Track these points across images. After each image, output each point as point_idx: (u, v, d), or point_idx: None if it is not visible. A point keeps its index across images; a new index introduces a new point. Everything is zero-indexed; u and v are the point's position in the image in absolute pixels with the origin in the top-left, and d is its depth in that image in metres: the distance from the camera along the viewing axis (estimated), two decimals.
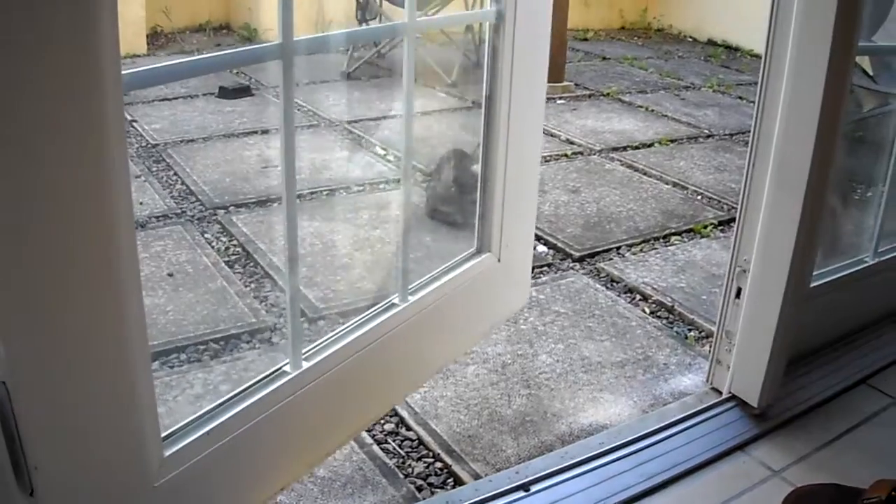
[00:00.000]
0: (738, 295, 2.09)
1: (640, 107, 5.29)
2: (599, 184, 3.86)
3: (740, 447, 1.99)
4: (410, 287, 1.84)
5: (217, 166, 3.83)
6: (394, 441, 2.04)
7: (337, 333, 1.68)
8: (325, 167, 3.84)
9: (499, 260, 2.07)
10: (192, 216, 3.27)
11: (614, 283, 2.91)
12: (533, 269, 2.52)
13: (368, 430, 2.05)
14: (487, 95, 1.96)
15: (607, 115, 5.06)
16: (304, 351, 1.59)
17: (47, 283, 1.04)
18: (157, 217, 3.24)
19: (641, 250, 3.18)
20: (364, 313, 1.77)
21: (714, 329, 2.22)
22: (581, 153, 4.30)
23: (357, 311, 2.57)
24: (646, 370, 2.36)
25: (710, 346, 2.26)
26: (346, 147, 4.21)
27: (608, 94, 5.54)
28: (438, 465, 1.97)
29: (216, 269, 2.83)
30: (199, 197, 3.46)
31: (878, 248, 2.46)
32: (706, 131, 4.82)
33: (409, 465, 1.96)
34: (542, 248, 3.13)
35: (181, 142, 4.17)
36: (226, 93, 4.94)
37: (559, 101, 5.25)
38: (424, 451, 2.01)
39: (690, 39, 7.80)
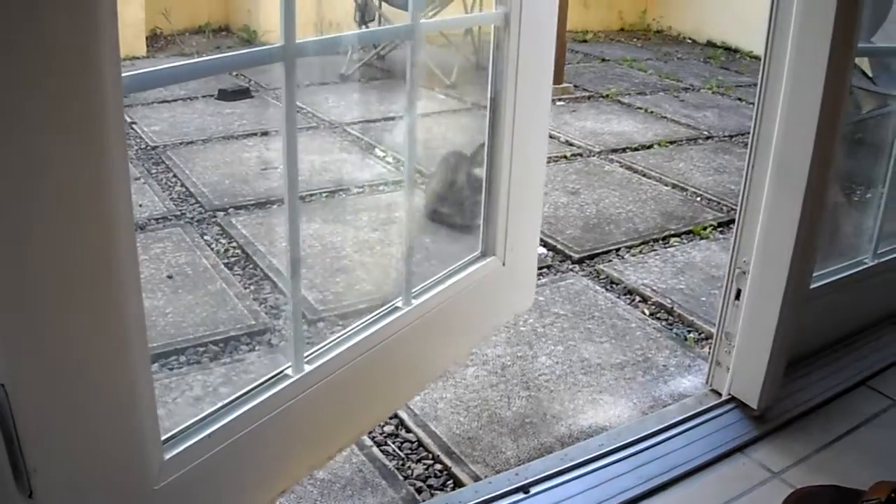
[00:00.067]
0: (737, 296, 2.10)
1: (640, 108, 5.29)
2: (599, 185, 3.86)
3: (740, 449, 1.99)
4: (414, 290, 1.84)
5: (216, 168, 3.83)
6: (393, 443, 2.04)
7: (339, 336, 1.68)
8: (324, 169, 3.84)
9: (503, 263, 2.07)
10: (192, 218, 3.27)
11: (614, 285, 2.91)
12: None
13: (368, 432, 2.05)
14: (492, 98, 1.96)
15: (606, 116, 5.06)
16: (306, 354, 1.59)
17: (47, 285, 1.04)
18: (157, 219, 3.24)
19: (641, 252, 3.18)
20: (365, 316, 1.77)
21: (713, 331, 2.22)
22: (580, 155, 4.30)
23: (356, 314, 2.59)
24: (645, 372, 2.36)
25: (710, 348, 2.26)
26: (346, 149, 4.21)
27: (607, 95, 5.55)
28: (438, 466, 1.97)
29: (215, 270, 2.83)
30: (199, 199, 3.46)
31: (877, 249, 2.46)
32: (705, 133, 4.83)
33: (409, 467, 1.96)
34: (541, 250, 3.13)
35: (180, 144, 4.17)
36: (225, 95, 4.94)
37: (558, 103, 5.25)
38: (424, 453, 2.01)
39: (690, 41, 7.80)
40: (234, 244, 3.06)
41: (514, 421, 2.12)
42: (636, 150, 4.46)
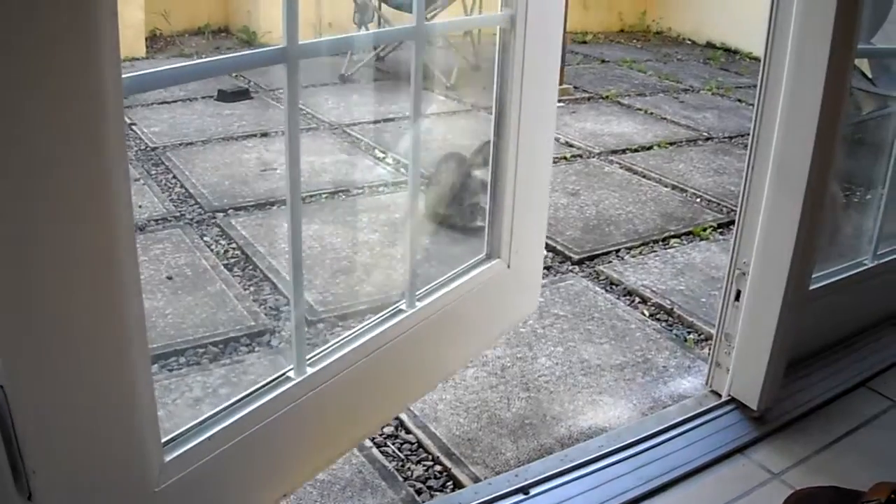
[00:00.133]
0: (737, 297, 2.09)
1: (639, 109, 5.29)
2: (598, 186, 3.86)
3: (740, 450, 1.99)
4: (418, 293, 1.83)
5: (216, 169, 3.83)
6: (393, 444, 2.04)
7: (342, 339, 1.68)
8: (323, 170, 3.84)
9: (508, 266, 2.07)
10: (191, 219, 3.27)
11: (613, 286, 2.91)
12: None
13: (371, 436, 2.05)
14: (498, 100, 1.96)
15: (606, 117, 5.06)
16: (308, 356, 1.59)
17: (46, 286, 1.04)
18: (156, 220, 3.24)
19: (641, 253, 3.18)
20: (365, 317, 1.77)
21: (713, 332, 2.22)
22: (580, 156, 4.30)
23: (355, 315, 2.59)
24: (645, 373, 2.36)
25: (710, 349, 2.26)
26: (345, 150, 4.21)
27: (607, 96, 5.55)
28: (438, 468, 1.97)
29: (215, 272, 2.83)
30: (198, 200, 3.46)
31: (877, 250, 2.46)
32: (705, 134, 4.83)
33: (409, 469, 1.96)
34: None
35: (180, 145, 4.17)
36: (225, 96, 4.93)
37: (558, 104, 5.24)
38: (424, 455, 2.01)
39: (689, 42, 7.80)
40: (234, 245, 3.05)
41: (514, 422, 2.12)
42: (636, 151, 4.46)
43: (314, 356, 1.61)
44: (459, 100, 5.17)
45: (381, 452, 2.00)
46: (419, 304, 1.82)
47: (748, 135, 2.03)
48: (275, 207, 3.41)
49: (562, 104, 5.27)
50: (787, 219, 1.92)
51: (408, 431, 2.08)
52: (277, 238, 3.12)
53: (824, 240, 2.20)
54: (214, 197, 3.49)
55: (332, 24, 6.19)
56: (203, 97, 4.98)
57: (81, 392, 1.13)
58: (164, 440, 1.30)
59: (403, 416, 2.11)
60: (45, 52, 0.95)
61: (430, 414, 2.13)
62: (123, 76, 1.07)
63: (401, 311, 1.80)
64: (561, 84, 5.45)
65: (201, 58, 5.98)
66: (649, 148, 4.52)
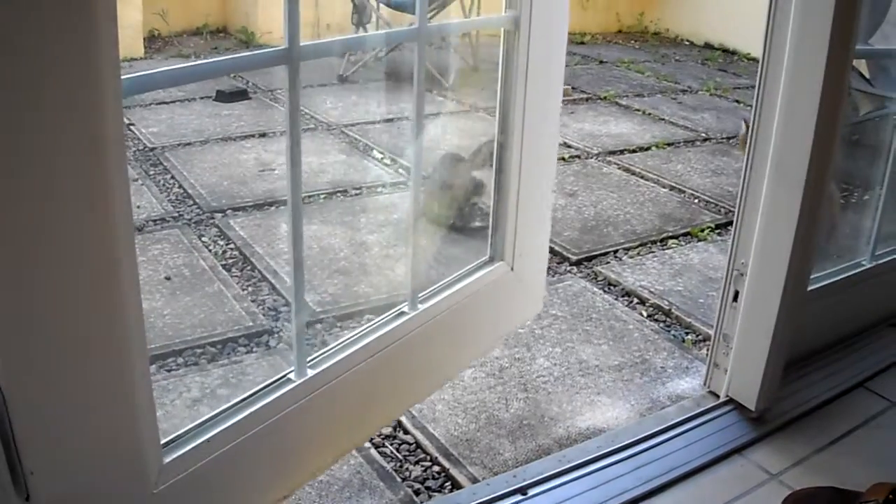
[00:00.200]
0: (735, 298, 2.09)
1: (637, 110, 5.29)
2: (596, 187, 3.86)
3: (738, 450, 1.99)
4: (420, 295, 1.83)
5: (214, 170, 3.83)
6: (391, 445, 2.03)
7: (343, 341, 1.67)
8: (321, 171, 3.84)
9: (512, 269, 2.06)
10: (190, 220, 3.27)
11: (612, 287, 2.91)
12: None
13: (371, 438, 2.04)
14: (501, 102, 1.96)
15: (604, 118, 5.06)
16: (309, 358, 1.58)
17: (44, 288, 1.04)
18: (155, 221, 3.24)
19: (639, 254, 3.18)
20: (363, 317, 1.77)
21: (711, 332, 2.22)
22: (578, 157, 4.31)
23: (353, 315, 2.59)
24: (643, 373, 2.36)
25: (708, 350, 2.26)
26: (344, 151, 4.21)
27: (605, 97, 5.55)
28: (436, 468, 1.97)
29: (213, 272, 2.83)
30: (197, 200, 3.46)
31: (875, 251, 2.46)
32: (703, 135, 4.83)
33: (407, 469, 1.96)
34: None
35: (178, 145, 4.17)
36: (223, 96, 4.93)
37: None
38: (422, 455, 2.01)
39: (687, 43, 7.81)
40: (232, 246, 3.05)
41: (512, 423, 2.12)
42: (634, 151, 4.46)
43: (315, 358, 1.60)
44: (458, 100, 5.17)
45: (380, 453, 2.00)
46: (421, 307, 1.82)
47: None
48: (273, 208, 3.41)
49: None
50: (786, 219, 1.92)
51: (406, 432, 2.08)
52: (276, 238, 3.12)
53: (822, 239, 2.20)
54: (213, 197, 3.49)
55: (329, 24, 6.20)
56: (201, 97, 4.98)
57: (80, 393, 1.12)
58: (163, 442, 1.30)
59: (402, 417, 2.11)
60: (45, 53, 0.95)
61: (428, 414, 2.13)
62: (123, 77, 1.07)
63: (403, 313, 1.80)
64: None
65: (199, 58, 5.99)
66: (647, 149, 4.53)
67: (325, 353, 1.63)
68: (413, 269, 1.80)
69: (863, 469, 1.91)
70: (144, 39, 6.15)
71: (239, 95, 4.99)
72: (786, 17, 1.84)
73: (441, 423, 2.10)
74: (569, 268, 3.03)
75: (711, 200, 3.77)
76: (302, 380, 1.55)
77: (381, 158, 4.09)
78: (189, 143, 4.20)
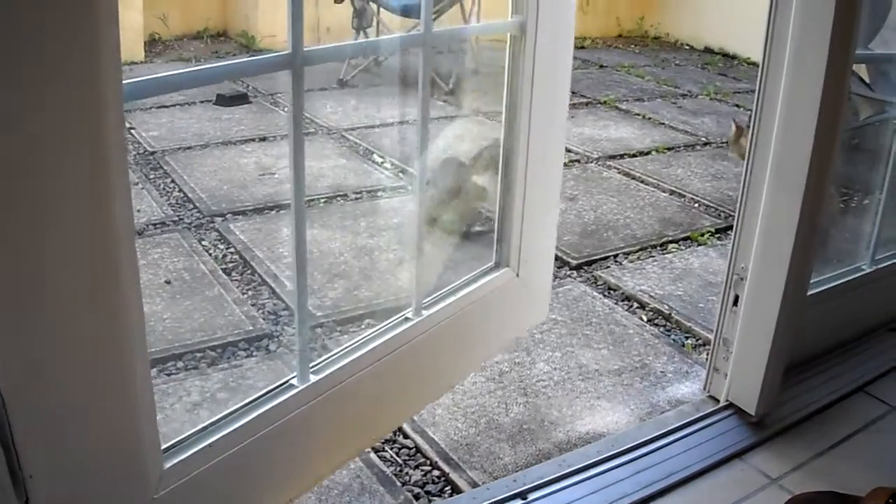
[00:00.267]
0: (735, 303, 2.09)
1: (637, 115, 5.29)
2: (597, 192, 3.86)
3: (738, 455, 1.99)
4: (425, 301, 1.83)
5: (214, 174, 3.83)
6: (391, 449, 2.03)
7: (347, 347, 1.67)
8: (321, 175, 3.84)
9: (517, 275, 2.06)
10: (190, 224, 3.27)
11: (612, 291, 2.91)
12: None
13: (375, 444, 2.04)
14: (507, 107, 1.95)
15: (604, 122, 5.07)
16: (312, 364, 1.58)
17: (46, 291, 1.04)
18: (155, 224, 3.24)
19: (639, 258, 3.18)
20: (366, 322, 1.76)
21: (711, 337, 2.22)
22: (578, 161, 4.31)
23: (353, 320, 2.59)
24: (643, 378, 2.36)
25: (708, 354, 2.26)
26: (344, 155, 4.21)
27: (605, 102, 5.55)
28: (436, 473, 1.96)
29: (213, 276, 2.83)
30: (197, 204, 3.46)
31: (875, 255, 2.46)
32: (703, 139, 4.83)
33: (407, 473, 1.96)
34: None
35: (178, 149, 4.17)
36: (223, 100, 4.94)
37: None
38: (422, 459, 2.01)
39: (687, 47, 7.81)
40: (232, 250, 3.05)
41: (512, 427, 2.12)
42: (634, 156, 4.47)
43: (318, 364, 1.60)
44: (458, 104, 5.17)
45: (379, 457, 2.00)
46: (426, 313, 1.81)
47: None
48: (273, 212, 3.41)
49: None
50: (786, 224, 1.93)
51: (406, 436, 2.07)
52: (276, 242, 3.12)
53: (822, 245, 2.20)
54: (213, 201, 3.49)
55: (329, 28, 6.20)
56: (202, 101, 4.98)
57: (80, 397, 1.12)
58: (164, 447, 1.30)
59: None
60: (46, 56, 0.95)
61: (427, 419, 2.13)
62: (126, 82, 1.07)
63: (407, 319, 1.79)
64: None
65: (200, 62, 5.98)
66: (647, 153, 4.53)
67: (328, 358, 1.63)
68: (417, 276, 1.80)
69: (863, 473, 1.91)
70: (145, 43, 6.16)
71: (239, 99, 5.00)
72: (786, 22, 1.84)
73: (441, 427, 2.10)
74: (569, 272, 3.03)
75: (711, 205, 3.77)
76: (305, 385, 1.55)
77: (382, 163, 4.09)
78: (189, 147, 4.20)
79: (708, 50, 7.61)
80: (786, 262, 1.95)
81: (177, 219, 3.31)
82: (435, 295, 1.88)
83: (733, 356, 2.11)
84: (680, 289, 2.93)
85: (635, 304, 2.82)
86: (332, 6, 5.61)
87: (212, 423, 1.41)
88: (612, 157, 4.40)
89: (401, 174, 3.96)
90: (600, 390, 2.29)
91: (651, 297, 2.85)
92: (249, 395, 1.50)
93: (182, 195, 3.56)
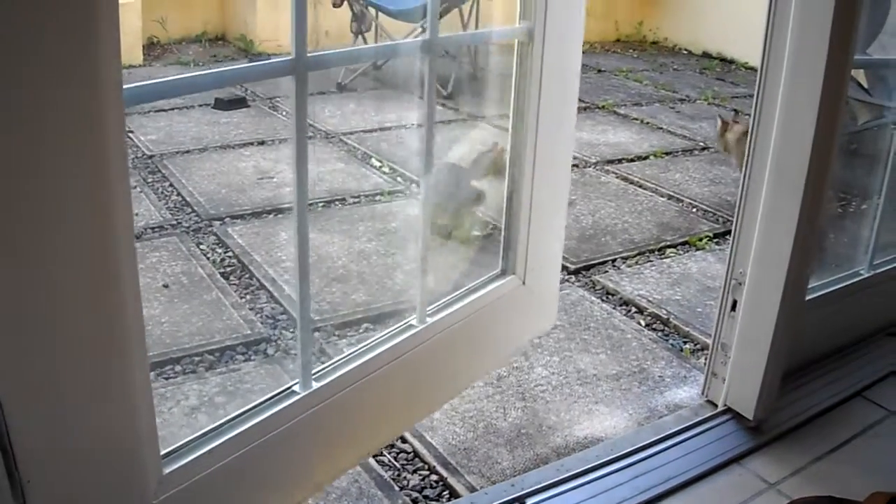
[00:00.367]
0: (733, 307, 2.09)
1: (636, 119, 5.30)
2: (595, 196, 3.87)
3: (736, 460, 1.99)
4: (429, 309, 1.82)
5: (213, 177, 3.83)
6: (389, 453, 2.03)
7: (350, 354, 1.66)
8: (320, 179, 3.84)
9: (524, 283, 2.06)
10: (188, 227, 3.27)
11: (610, 296, 2.91)
12: None
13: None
14: (515, 114, 1.95)
15: (602, 127, 5.07)
16: (314, 371, 1.58)
17: (45, 296, 1.04)
18: (153, 228, 3.24)
19: (637, 263, 3.18)
20: (364, 327, 1.76)
21: (709, 341, 2.22)
22: (576, 166, 4.30)
23: (351, 324, 2.59)
24: (641, 383, 2.36)
25: (706, 359, 2.26)
26: (342, 159, 4.21)
27: (603, 106, 5.55)
28: (434, 477, 1.96)
29: (211, 280, 2.83)
30: (195, 208, 3.45)
31: (873, 260, 2.47)
32: (701, 144, 4.83)
33: (405, 478, 1.96)
34: None
35: (177, 153, 4.17)
36: (221, 104, 4.93)
37: None
38: (420, 464, 2.00)
39: (686, 52, 7.82)
40: (230, 254, 3.05)
41: (510, 432, 2.11)
42: (632, 161, 4.47)
43: (320, 371, 1.59)
44: (457, 109, 5.17)
45: (377, 462, 1.99)
46: (430, 320, 1.81)
47: None
48: (271, 216, 3.41)
49: None
50: (784, 228, 1.93)
51: (404, 441, 2.07)
52: (274, 246, 3.12)
53: (821, 250, 2.20)
54: (211, 205, 3.49)
55: (328, 32, 6.20)
56: (200, 105, 4.98)
57: (79, 401, 1.12)
58: (163, 452, 1.30)
59: None
60: (47, 60, 0.95)
61: (425, 423, 2.12)
62: (128, 86, 1.07)
63: (411, 326, 1.79)
64: None
65: (199, 66, 5.98)
66: (645, 158, 4.53)
67: (330, 365, 1.62)
68: (421, 282, 1.79)
69: (861, 478, 1.91)
70: (143, 46, 6.16)
71: (237, 103, 4.99)
72: (784, 27, 1.84)
73: (439, 431, 2.10)
74: (567, 277, 3.03)
75: (709, 209, 3.77)
76: (307, 392, 1.54)
77: (380, 167, 4.09)
78: (187, 151, 4.20)
79: (706, 55, 7.62)
80: (784, 267, 1.95)
81: (175, 222, 3.31)
82: (440, 302, 1.87)
83: (731, 361, 2.11)
84: (678, 293, 2.93)
85: (633, 309, 2.82)
86: (330, 10, 5.61)
87: (212, 429, 1.40)
88: (611, 162, 4.41)
89: (399, 178, 3.96)
90: (598, 395, 2.29)
91: (649, 301, 2.85)
92: (247, 399, 1.50)
93: (180, 199, 3.56)
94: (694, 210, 3.77)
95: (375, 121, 4.91)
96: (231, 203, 3.53)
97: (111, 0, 1.01)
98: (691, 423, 2.10)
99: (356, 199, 3.66)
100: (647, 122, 5.22)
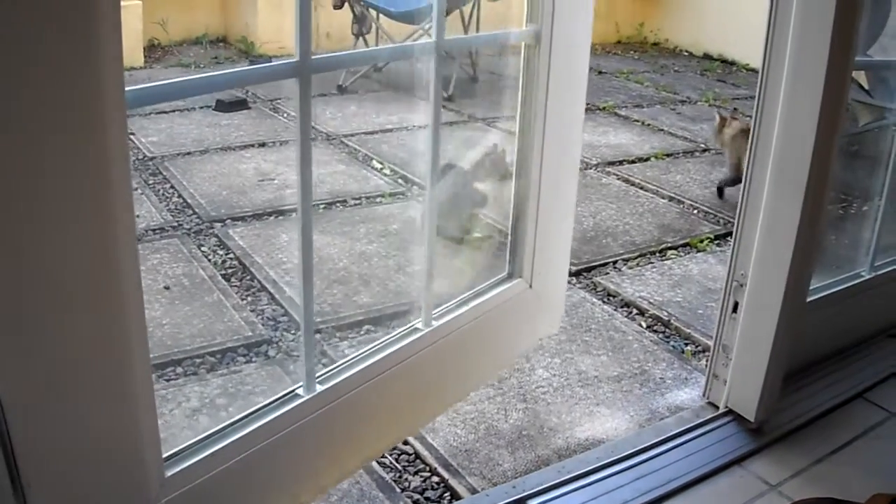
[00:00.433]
0: (734, 309, 2.09)
1: (637, 121, 5.30)
2: (596, 198, 3.87)
3: (737, 462, 1.99)
4: (435, 312, 1.82)
5: (214, 179, 3.83)
6: (390, 455, 2.03)
7: (355, 357, 1.66)
8: (321, 181, 3.84)
9: (530, 286, 2.05)
10: (189, 229, 3.27)
11: (611, 298, 2.91)
12: None
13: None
14: (521, 117, 1.94)
15: (603, 129, 5.07)
16: (318, 374, 1.57)
17: (46, 298, 1.04)
18: (154, 230, 3.24)
19: (638, 264, 3.18)
20: (365, 329, 1.75)
21: (710, 343, 2.22)
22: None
23: (352, 326, 2.58)
24: (642, 384, 2.36)
25: (707, 361, 2.26)
26: (343, 161, 4.21)
27: (604, 108, 5.55)
28: (435, 479, 1.96)
29: (213, 282, 2.83)
30: (196, 210, 3.46)
31: (874, 262, 2.46)
32: (702, 145, 4.83)
33: (406, 480, 1.95)
34: None
35: (178, 155, 4.17)
36: (222, 106, 4.94)
37: None
38: (421, 466, 2.00)
39: (686, 53, 7.82)
40: (232, 255, 3.05)
41: (512, 433, 2.11)
42: (633, 162, 4.47)
43: (324, 374, 1.59)
44: (457, 110, 5.18)
45: (378, 463, 1.99)
46: (436, 324, 1.81)
47: None
48: (272, 218, 3.41)
49: None
50: (786, 230, 1.93)
51: (405, 442, 2.07)
52: (275, 248, 3.12)
53: (822, 251, 2.20)
54: (212, 207, 3.49)
55: (329, 34, 6.21)
56: (201, 107, 4.98)
57: (80, 403, 1.12)
58: (165, 455, 1.29)
59: None
60: (49, 60, 0.95)
61: (427, 425, 2.12)
62: (131, 88, 1.07)
63: (417, 329, 1.78)
64: None
65: (200, 68, 5.98)
66: (646, 159, 4.53)
67: (335, 368, 1.62)
68: (427, 285, 1.79)
69: (862, 480, 1.91)
70: (144, 48, 6.16)
71: (238, 105, 5.00)
72: (786, 29, 1.84)
73: (440, 433, 2.10)
74: (568, 278, 3.02)
75: (710, 211, 3.77)
76: (311, 395, 1.54)
77: (381, 169, 4.09)
78: (188, 153, 4.21)
79: (707, 56, 7.62)
80: (785, 269, 1.95)
81: (176, 224, 3.31)
82: (445, 306, 1.87)
83: (733, 363, 2.11)
84: (679, 295, 2.93)
85: (634, 311, 2.82)
86: (331, 12, 5.61)
87: (215, 432, 1.40)
88: (611, 164, 4.41)
89: (400, 180, 3.96)
90: (599, 396, 2.29)
91: (650, 303, 2.85)
92: (248, 401, 1.50)
93: (181, 201, 3.56)
94: (695, 212, 3.77)
95: (376, 123, 4.92)
96: (232, 205, 3.53)
97: (113, 1, 1.01)
98: (692, 424, 2.10)
99: (357, 201, 3.66)
100: (648, 124, 5.23)
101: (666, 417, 2.19)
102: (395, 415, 1.81)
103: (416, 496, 1.90)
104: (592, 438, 2.11)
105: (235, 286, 2.83)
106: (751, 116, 2.00)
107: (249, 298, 2.75)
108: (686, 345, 2.62)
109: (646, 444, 2.02)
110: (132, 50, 5.80)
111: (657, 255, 3.28)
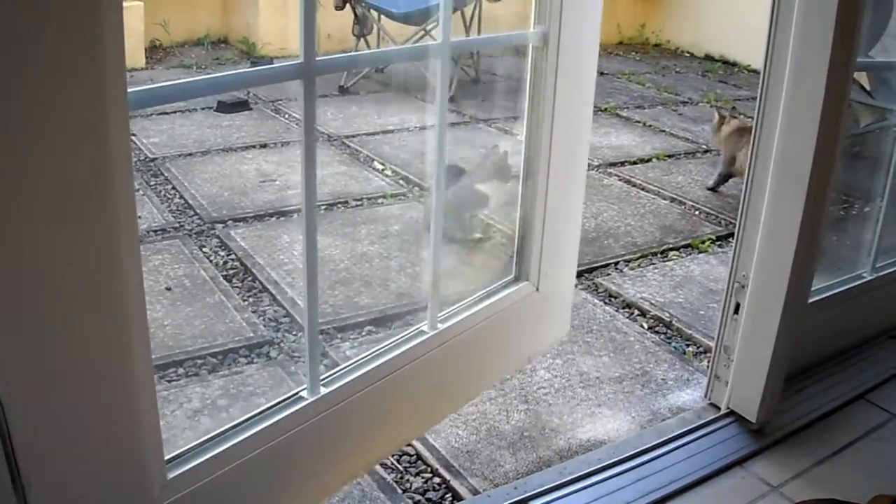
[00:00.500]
0: (736, 310, 2.09)
1: (638, 122, 5.30)
2: (597, 199, 3.86)
3: (739, 463, 1.99)
4: (440, 315, 1.82)
5: (215, 180, 3.83)
6: (392, 456, 2.03)
7: (359, 359, 1.66)
8: (322, 182, 3.84)
9: (537, 289, 2.05)
10: (191, 230, 3.27)
11: (612, 299, 2.91)
12: None
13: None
14: (528, 119, 1.93)
15: (605, 130, 5.07)
16: (322, 376, 1.57)
17: (47, 299, 1.04)
18: (156, 231, 3.24)
19: (639, 265, 3.18)
20: (366, 330, 1.75)
21: (712, 344, 2.22)
22: None
23: (353, 327, 2.58)
24: (644, 385, 2.36)
25: (709, 362, 2.26)
26: (344, 162, 4.21)
27: (606, 109, 5.55)
28: (437, 480, 1.96)
29: (214, 283, 2.83)
30: (198, 211, 3.46)
31: (875, 263, 2.46)
32: (704, 146, 4.83)
33: (408, 481, 1.95)
34: None
35: (179, 156, 4.17)
36: (224, 107, 4.94)
37: None
38: (423, 467, 2.00)
39: (688, 54, 7.82)
40: (233, 256, 3.05)
41: (513, 434, 2.11)
42: (634, 163, 4.47)
43: (329, 376, 1.59)
44: (459, 111, 5.18)
45: (380, 464, 1.99)
46: (441, 326, 1.80)
47: None
48: (274, 218, 3.41)
49: None
50: (787, 231, 1.93)
51: (407, 443, 2.07)
52: (276, 249, 3.12)
53: (823, 253, 2.20)
54: (213, 208, 3.49)
55: (330, 35, 6.21)
56: (202, 108, 4.98)
57: (81, 405, 1.12)
58: (167, 456, 1.29)
59: None
60: (51, 61, 0.95)
61: (432, 428, 2.12)
62: (134, 90, 1.07)
63: (422, 332, 1.78)
64: None
65: (201, 69, 5.98)
66: (648, 160, 4.53)
67: (339, 370, 1.61)
68: (433, 288, 1.79)
69: (863, 481, 1.91)
70: (146, 49, 6.17)
71: (240, 106, 5.00)
72: (787, 30, 1.84)
73: (442, 434, 2.10)
74: None
75: (712, 212, 3.77)
76: (315, 398, 1.54)
77: (382, 170, 4.09)
78: (190, 154, 4.21)
79: (708, 57, 7.62)
80: (787, 270, 1.95)
81: (177, 225, 3.31)
82: (451, 308, 1.87)
83: (734, 364, 2.11)
84: (681, 296, 2.93)
85: (636, 312, 2.82)
86: (332, 13, 5.61)
87: (218, 434, 1.40)
88: (613, 165, 4.41)
89: (401, 181, 3.96)
90: (601, 398, 2.29)
91: (652, 304, 2.85)
92: (250, 402, 1.50)
93: (183, 202, 3.57)
94: (696, 213, 3.77)
95: (378, 123, 4.92)
96: (233, 206, 3.53)
97: (115, 2, 1.01)
98: (694, 425, 2.10)
99: (358, 202, 3.66)
100: (650, 125, 5.23)
101: (667, 418, 2.19)
102: (400, 418, 1.81)
103: (418, 497, 1.90)
104: (594, 439, 2.10)
105: (237, 287, 2.83)
106: (751, 116, 2.00)
107: (251, 299, 2.75)
108: (687, 346, 2.62)
109: (647, 446, 2.02)
110: (134, 51, 5.81)
111: (659, 256, 3.28)
